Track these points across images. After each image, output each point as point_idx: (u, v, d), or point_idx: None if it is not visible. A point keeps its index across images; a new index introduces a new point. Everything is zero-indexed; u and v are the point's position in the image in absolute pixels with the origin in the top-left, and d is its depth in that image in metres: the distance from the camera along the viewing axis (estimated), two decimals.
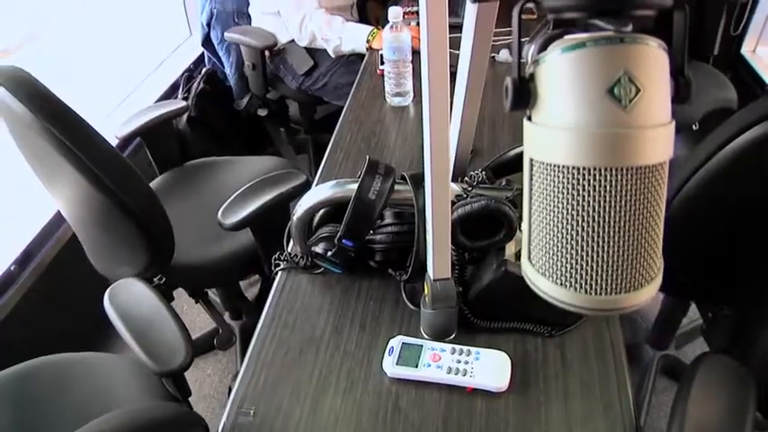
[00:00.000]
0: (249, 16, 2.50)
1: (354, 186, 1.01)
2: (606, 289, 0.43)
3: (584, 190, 0.41)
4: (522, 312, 0.97)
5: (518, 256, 0.96)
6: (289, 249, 1.17)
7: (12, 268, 1.74)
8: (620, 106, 0.39)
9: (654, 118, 0.41)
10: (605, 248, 0.42)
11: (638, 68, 0.39)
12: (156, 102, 2.48)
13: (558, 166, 0.42)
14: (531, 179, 0.45)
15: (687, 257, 1.19)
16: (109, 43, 2.54)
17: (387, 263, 1.08)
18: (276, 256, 1.15)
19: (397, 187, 1.02)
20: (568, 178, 0.42)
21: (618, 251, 0.42)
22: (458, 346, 0.93)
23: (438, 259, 0.89)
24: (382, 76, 1.77)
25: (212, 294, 1.99)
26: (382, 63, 1.75)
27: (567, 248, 0.44)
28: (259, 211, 1.37)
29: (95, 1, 2.53)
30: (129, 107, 2.36)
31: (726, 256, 1.18)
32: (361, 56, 2.18)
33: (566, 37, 0.40)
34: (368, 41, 2.15)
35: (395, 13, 1.62)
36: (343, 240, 1.01)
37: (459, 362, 0.91)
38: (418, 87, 1.69)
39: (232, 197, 1.40)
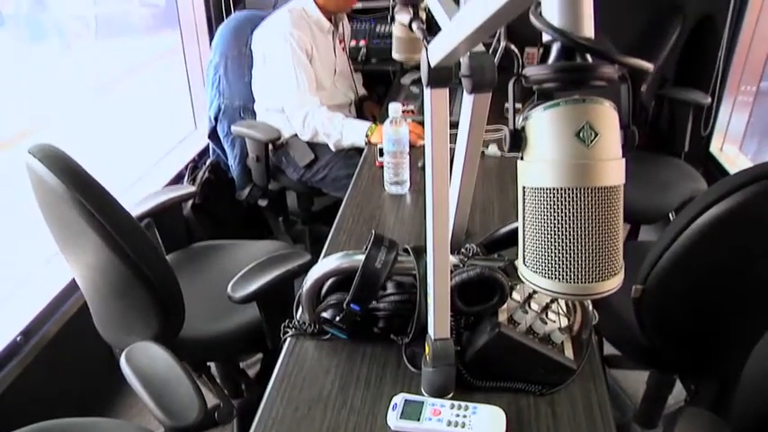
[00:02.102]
0: (254, 112, 2.68)
1: (361, 257, 1.11)
2: (582, 278, 0.58)
3: (561, 204, 0.57)
4: (514, 372, 1.05)
5: (510, 320, 1.06)
6: (297, 318, 1.26)
7: (18, 339, 1.80)
8: (585, 145, 0.56)
9: (609, 154, 0.57)
10: (579, 247, 0.57)
11: (596, 120, 0.57)
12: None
13: (543, 189, 0.58)
14: (524, 202, 0.61)
15: (666, 331, 1.29)
16: (117, 137, 2.69)
17: (389, 329, 1.16)
18: (285, 323, 1.23)
19: (399, 258, 1.13)
20: (551, 197, 0.57)
21: (588, 249, 0.57)
22: (456, 402, 1.01)
23: (438, 320, 0.99)
24: (381, 167, 1.91)
25: (214, 370, 2.04)
26: (381, 155, 1.90)
27: (551, 249, 0.58)
28: (267, 285, 1.47)
29: (108, 97, 2.70)
30: (136, 195, 2.48)
31: (703, 326, 1.29)
32: (360, 150, 2.32)
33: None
34: (367, 136, 2.31)
35: (394, 109, 1.78)
36: (351, 305, 1.10)
37: (458, 416, 0.98)
38: (414, 177, 1.86)
39: (242, 272, 1.50)
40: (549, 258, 0.59)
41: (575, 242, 0.57)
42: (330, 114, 2.42)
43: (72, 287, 1.98)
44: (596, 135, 0.56)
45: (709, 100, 2.75)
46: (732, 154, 2.82)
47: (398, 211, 1.77)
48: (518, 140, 0.59)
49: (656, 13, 3.16)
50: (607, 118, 0.57)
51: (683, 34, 2.97)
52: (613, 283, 0.60)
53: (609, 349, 1.78)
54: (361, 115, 2.80)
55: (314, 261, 1.49)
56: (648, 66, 0.52)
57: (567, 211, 0.57)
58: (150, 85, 3.07)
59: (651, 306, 1.32)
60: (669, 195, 2.33)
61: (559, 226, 0.57)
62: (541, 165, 0.58)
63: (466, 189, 1.19)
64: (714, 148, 2.93)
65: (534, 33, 0.59)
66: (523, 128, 0.59)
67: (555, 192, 0.57)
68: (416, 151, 1.99)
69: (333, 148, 2.46)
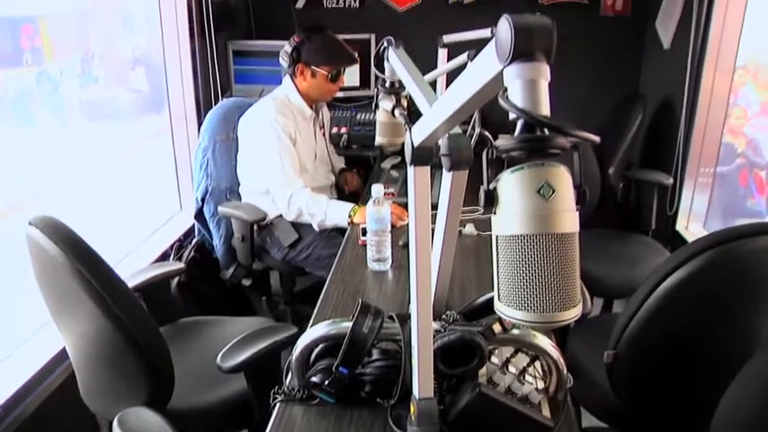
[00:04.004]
0: (240, 194, 2.78)
1: (349, 324, 1.19)
2: (546, 309, 0.68)
3: (527, 248, 0.68)
4: (495, 430, 1.11)
5: (490, 381, 1.13)
6: (286, 384, 1.31)
7: None
8: (545, 200, 0.68)
9: (565, 207, 0.69)
10: (543, 283, 0.67)
11: (553, 179, 0.69)
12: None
13: (513, 236, 0.69)
14: (497, 248, 0.72)
15: (638, 394, 1.36)
16: (103, 216, 2.75)
17: (375, 393, 1.22)
18: (275, 390, 1.29)
19: (384, 325, 1.20)
20: (518, 242, 0.68)
21: (551, 284, 0.67)
22: None
23: (423, 380, 1.05)
24: (364, 245, 2.00)
25: None
26: (364, 234, 1.99)
27: (520, 285, 0.69)
28: (255, 356, 1.52)
29: (93, 179, 2.78)
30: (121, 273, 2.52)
31: (673, 389, 1.36)
32: (342, 231, 2.42)
33: None
34: (350, 217, 2.41)
35: (377, 189, 1.89)
36: (340, 368, 1.16)
37: None
38: (396, 254, 1.95)
39: (231, 343, 1.55)
40: (519, 293, 0.69)
41: (539, 279, 0.67)
42: (315, 196, 2.52)
43: (53, 363, 1.99)
44: (554, 191, 0.68)
45: (672, 181, 2.92)
46: (697, 232, 2.96)
47: (381, 285, 1.85)
48: (491, 198, 0.71)
49: (619, 99, 3.39)
50: (562, 178, 0.69)
51: (646, 119, 3.19)
52: (573, 313, 0.69)
53: (589, 420, 1.84)
54: (340, 189, 2.93)
55: (300, 334, 1.55)
56: (595, 138, 0.63)
57: (532, 254, 0.67)
58: (135, 168, 3.16)
59: (623, 370, 1.40)
60: (638, 271, 2.45)
61: (526, 266, 0.68)
62: (510, 217, 0.70)
63: (446, 261, 1.28)
64: (680, 226, 3.08)
65: (505, 122, 0.72)
66: (495, 188, 0.71)
67: (522, 238, 0.68)
68: (397, 231, 2.09)
69: (317, 228, 2.54)
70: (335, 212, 2.47)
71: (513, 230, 0.69)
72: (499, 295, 0.72)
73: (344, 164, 3.10)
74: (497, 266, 0.72)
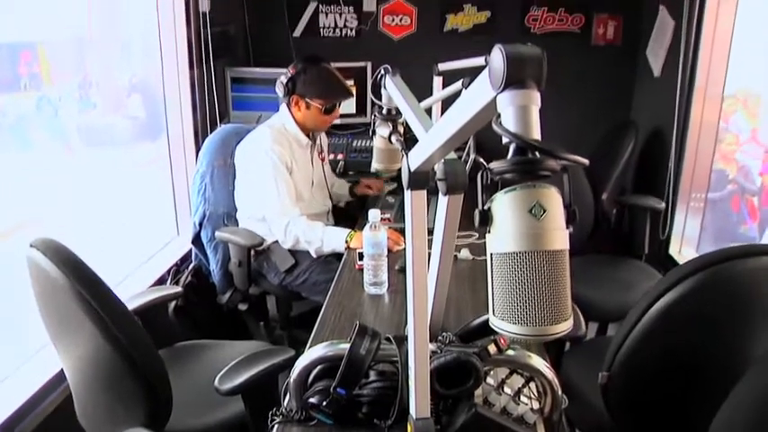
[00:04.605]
0: (237, 219, 2.80)
1: (346, 345, 1.21)
2: (539, 322, 0.70)
3: (520, 265, 0.71)
4: None
5: (485, 401, 1.15)
6: (284, 405, 1.32)
7: None
8: (536, 219, 0.71)
9: (555, 225, 0.72)
10: (536, 298, 0.70)
11: (544, 200, 0.72)
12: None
13: (506, 253, 0.72)
14: (492, 265, 0.75)
15: (632, 414, 1.38)
16: (100, 240, 2.77)
17: (372, 414, 1.24)
18: (273, 411, 1.30)
19: (382, 346, 1.22)
20: (512, 259, 0.72)
21: (543, 299, 0.70)
22: None
23: (419, 399, 1.07)
24: (361, 270, 2.02)
25: None
26: (360, 259, 2.02)
27: (514, 300, 0.71)
28: (253, 378, 1.53)
29: (91, 204, 2.79)
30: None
31: (666, 408, 1.38)
32: (338, 256, 2.43)
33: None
34: (347, 242, 2.43)
35: (374, 215, 1.92)
36: (338, 389, 1.18)
37: None
38: (392, 278, 1.97)
39: (228, 366, 1.56)
40: (513, 307, 0.71)
41: (532, 294, 0.70)
42: (311, 223, 2.55)
43: (50, 384, 1.99)
44: (545, 211, 0.71)
45: (664, 205, 2.96)
46: (690, 256, 2.99)
47: (378, 309, 1.87)
48: (486, 218, 0.75)
49: (612, 126, 3.45)
50: (552, 198, 0.73)
51: (638, 145, 3.24)
52: (564, 326, 0.72)
53: None
54: (340, 216, 2.97)
55: (297, 357, 1.57)
56: (583, 161, 0.67)
57: (525, 270, 0.70)
58: (133, 194, 3.19)
59: (617, 391, 1.42)
60: (632, 295, 2.47)
61: (520, 281, 0.71)
62: (504, 235, 0.73)
63: (442, 283, 1.30)
64: (673, 250, 3.11)
65: (498, 148, 0.75)
66: (489, 208, 0.75)
67: (515, 255, 0.71)
68: (394, 255, 2.11)
69: (314, 255, 2.56)
70: (332, 238, 2.49)
71: (507, 248, 0.72)
72: (494, 310, 0.75)
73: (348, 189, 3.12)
74: (492, 283, 0.75)
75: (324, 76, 2.63)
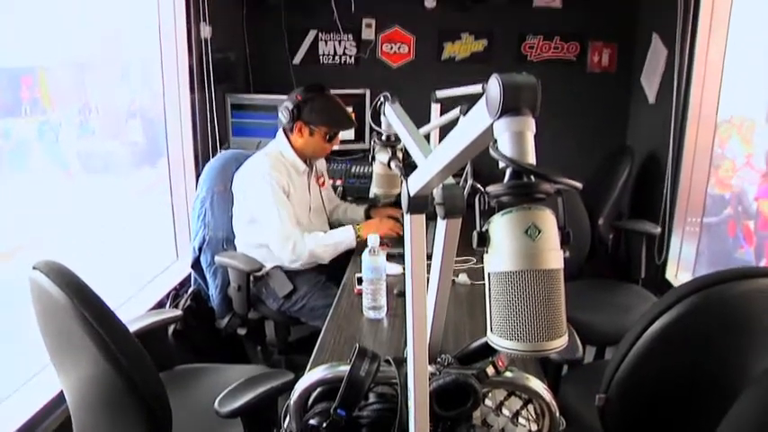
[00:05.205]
0: (236, 245, 2.82)
1: (346, 367, 1.22)
2: (535, 338, 0.72)
3: (517, 283, 0.73)
4: None
5: (484, 423, 1.16)
6: (284, 427, 1.33)
7: None
8: (531, 240, 0.73)
9: (550, 246, 0.74)
10: (531, 314, 0.72)
11: (539, 221, 0.74)
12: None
13: (503, 272, 0.74)
14: (490, 284, 0.76)
15: None
16: (100, 263, 2.78)
17: None
18: None
19: (381, 368, 1.23)
20: (509, 278, 0.73)
21: (538, 316, 0.72)
22: None
23: (419, 421, 1.08)
24: (359, 294, 2.04)
25: None
26: (359, 284, 2.04)
27: (511, 317, 0.73)
28: (253, 401, 1.54)
29: (90, 228, 2.81)
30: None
31: (664, 428, 1.39)
32: (337, 281, 2.42)
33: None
34: (358, 236, 2.47)
35: (372, 239, 1.94)
36: (338, 411, 1.19)
37: None
38: (391, 303, 1.98)
39: (228, 388, 1.57)
40: (510, 324, 0.73)
41: (528, 311, 0.72)
42: (314, 234, 2.61)
43: (50, 407, 1.98)
44: (540, 232, 0.73)
45: (659, 230, 2.99)
46: (686, 280, 3.02)
47: (377, 333, 1.88)
48: (483, 239, 0.77)
49: (608, 151, 3.49)
50: (547, 220, 0.75)
51: (634, 171, 3.28)
52: (559, 343, 0.74)
53: None
54: None
55: (296, 380, 1.58)
56: (577, 184, 0.69)
57: (521, 288, 0.73)
58: (132, 218, 3.20)
59: (614, 413, 1.43)
60: (630, 319, 2.48)
61: (516, 300, 0.73)
62: (501, 255, 0.75)
63: (441, 305, 1.32)
64: (670, 275, 3.13)
65: (495, 173, 0.78)
66: (487, 230, 0.77)
67: (512, 274, 0.73)
68: (392, 280, 2.13)
69: (328, 260, 2.61)
70: (341, 237, 2.60)
71: (504, 267, 0.74)
72: (492, 327, 0.77)
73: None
74: (490, 301, 0.77)
75: (330, 105, 2.68)
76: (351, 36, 4.01)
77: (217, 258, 2.74)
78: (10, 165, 2.41)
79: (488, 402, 1.21)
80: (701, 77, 2.93)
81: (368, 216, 2.99)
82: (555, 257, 0.74)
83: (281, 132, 2.73)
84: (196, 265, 2.92)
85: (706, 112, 2.96)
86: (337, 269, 2.55)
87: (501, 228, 0.75)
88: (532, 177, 0.73)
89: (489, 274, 0.77)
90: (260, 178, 2.59)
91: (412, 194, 1.05)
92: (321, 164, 2.98)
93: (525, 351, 0.73)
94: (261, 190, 2.58)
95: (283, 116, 2.65)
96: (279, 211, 2.56)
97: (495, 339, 0.77)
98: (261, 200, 2.59)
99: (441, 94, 2.79)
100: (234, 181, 2.74)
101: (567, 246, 0.75)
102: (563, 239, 0.75)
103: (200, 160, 3.24)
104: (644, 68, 3.59)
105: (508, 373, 1.19)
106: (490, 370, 1.16)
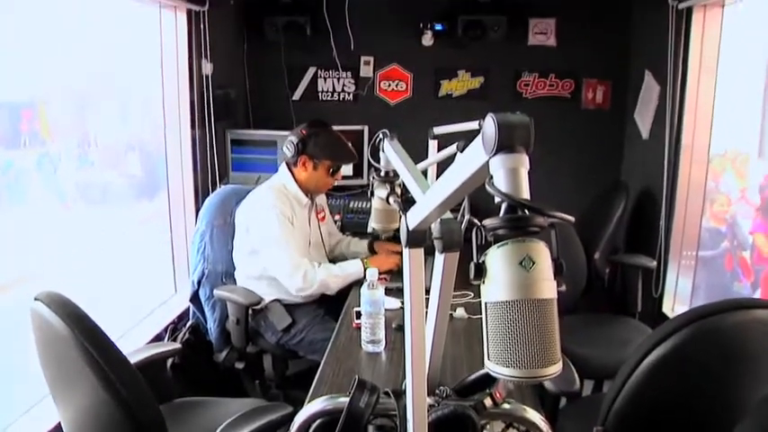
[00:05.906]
0: (235, 278, 2.84)
1: (345, 399, 1.23)
2: (530, 365, 0.74)
3: (512, 312, 0.75)
4: None
5: None
6: None
7: None
8: (526, 271, 0.76)
9: (544, 276, 0.76)
10: (527, 343, 0.74)
11: (533, 253, 0.76)
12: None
13: (499, 302, 0.76)
14: (486, 313, 0.79)
15: None
16: (97, 297, 2.78)
17: None
18: None
19: (380, 400, 1.24)
20: (504, 307, 0.76)
21: (533, 343, 0.74)
22: None
23: None
24: (358, 328, 2.05)
25: None
26: (358, 317, 2.05)
27: (507, 344, 0.75)
28: None
29: (86, 261, 2.82)
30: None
31: None
32: (335, 315, 2.44)
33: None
34: (365, 269, 2.49)
35: (371, 273, 1.97)
36: None
37: None
38: (389, 336, 2.00)
39: (227, 422, 1.58)
40: (506, 352, 0.75)
41: (523, 339, 0.75)
42: (325, 266, 2.66)
43: None
44: (534, 263, 0.76)
45: (655, 264, 3.02)
46: None
47: (375, 366, 1.89)
48: (480, 270, 0.79)
49: (603, 186, 3.53)
50: (541, 252, 0.77)
51: (629, 205, 3.32)
52: (553, 369, 0.76)
53: None
54: None
55: (294, 414, 1.58)
56: (569, 218, 0.72)
57: (517, 317, 0.75)
58: (130, 252, 3.22)
59: None
60: (627, 352, 2.47)
61: (512, 328, 0.75)
62: (497, 285, 0.77)
63: (439, 338, 1.33)
64: (666, 308, 3.15)
65: (491, 208, 0.81)
66: (484, 261, 0.79)
67: (507, 304, 0.76)
68: (390, 314, 2.14)
69: (336, 291, 2.64)
70: (351, 269, 2.64)
71: (500, 297, 0.76)
72: (489, 355, 0.79)
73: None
74: (487, 330, 0.79)
75: (333, 140, 2.75)
76: (350, 73, 4.08)
77: (216, 292, 2.75)
78: (9, 197, 2.44)
79: None
80: (692, 112, 2.99)
81: (371, 249, 3.02)
82: (548, 287, 0.77)
83: (284, 166, 2.77)
84: (195, 298, 2.93)
85: (699, 147, 3.01)
86: (336, 303, 2.57)
87: (497, 259, 0.77)
88: (527, 211, 0.77)
89: (486, 303, 0.79)
90: (266, 210, 2.63)
91: (411, 229, 1.08)
92: (321, 199, 3.01)
93: (521, 377, 0.75)
94: (267, 221, 2.61)
95: (288, 150, 2.70)
96: (287, 242, 2.59)
97: (492, 366, 0.78)
98: (267, 231, 2.62)
99: (438, 130, 2.84)
100: (237, 213, 2.77)
101: (560, 276, 0.77)
102: (556, 270, 0.78)
103: (200, 195, 3.27)
104: (637, 104, 3.65)
105: (506, 405, 1.20)
106: (488, 402, 1.18)
